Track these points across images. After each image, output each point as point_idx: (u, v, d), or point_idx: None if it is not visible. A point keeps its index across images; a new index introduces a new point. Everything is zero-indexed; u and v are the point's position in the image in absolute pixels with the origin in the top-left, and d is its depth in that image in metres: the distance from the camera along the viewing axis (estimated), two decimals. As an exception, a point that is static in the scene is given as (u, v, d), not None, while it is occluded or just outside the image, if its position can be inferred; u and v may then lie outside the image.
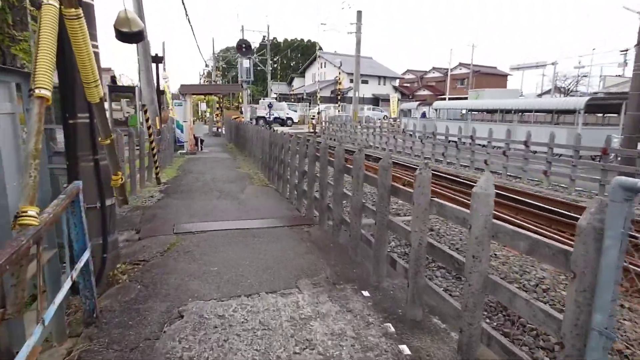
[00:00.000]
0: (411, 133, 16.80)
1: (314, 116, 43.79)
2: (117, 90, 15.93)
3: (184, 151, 14.98)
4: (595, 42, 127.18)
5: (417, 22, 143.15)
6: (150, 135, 7.84)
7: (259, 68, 35.24)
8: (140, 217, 6.10)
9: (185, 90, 14.66)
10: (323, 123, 27.02)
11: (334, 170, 4.94)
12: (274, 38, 66.72)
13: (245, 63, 27.21)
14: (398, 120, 28.59)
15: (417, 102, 23.69)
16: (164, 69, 15.23)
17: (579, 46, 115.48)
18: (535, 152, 10.50)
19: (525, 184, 9.98)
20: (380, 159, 3.72)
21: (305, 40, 70.54)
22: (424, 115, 23.62)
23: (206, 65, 52.49)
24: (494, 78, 61.41)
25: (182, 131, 15.91)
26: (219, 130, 25.77)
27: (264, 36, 55.10)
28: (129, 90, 15.44)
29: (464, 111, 21.75)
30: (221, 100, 24.27)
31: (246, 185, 8.89)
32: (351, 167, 4.48)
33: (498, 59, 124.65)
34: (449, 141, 13.63)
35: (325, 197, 5.51)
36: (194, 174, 10.37)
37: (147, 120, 7.62)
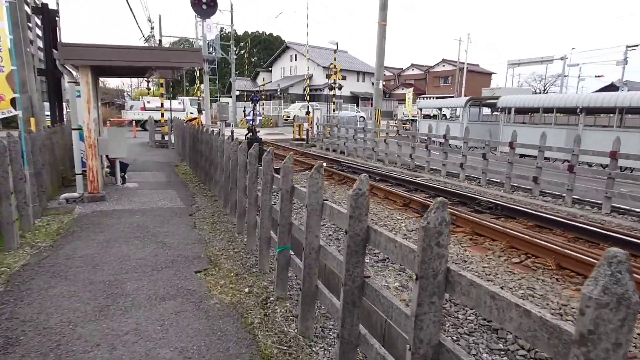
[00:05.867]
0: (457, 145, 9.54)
1: (287, 117, 35.92)
2: None
3: (75, 195, 6.75)
4: (574, 42, 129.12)
5: (394, 15, 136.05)
6: None
7: (220, 56, 26.51)
8: None
9: (72, 57, 6.34)
10: (316, 127, 19.39)
11: None
12: (234, 31, 57.87)
13: (211, 33, 15.94)
14: (407, 123, 21.57)
15: (467, 98, 16.58)
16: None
17: (558, 45, 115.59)
18: None
19: None
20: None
21: (267, 34, 62.88)
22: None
23: (144, 38, 39.86)
24: (477, 76, 56.88)
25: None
26: (165, 138, 17.22)
27: (221, 27, 45.95)
28: None
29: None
30: (167, 89, 15.75)
31: None
32: None
33: (479, 57, 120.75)
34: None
35: None
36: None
37: None
